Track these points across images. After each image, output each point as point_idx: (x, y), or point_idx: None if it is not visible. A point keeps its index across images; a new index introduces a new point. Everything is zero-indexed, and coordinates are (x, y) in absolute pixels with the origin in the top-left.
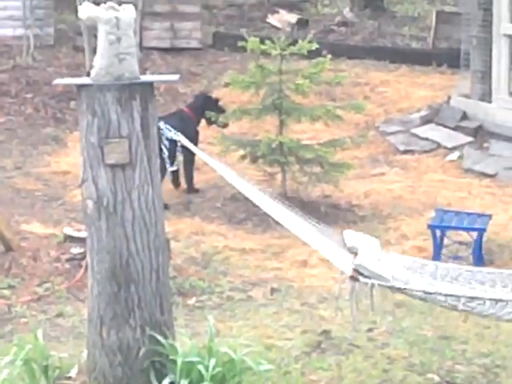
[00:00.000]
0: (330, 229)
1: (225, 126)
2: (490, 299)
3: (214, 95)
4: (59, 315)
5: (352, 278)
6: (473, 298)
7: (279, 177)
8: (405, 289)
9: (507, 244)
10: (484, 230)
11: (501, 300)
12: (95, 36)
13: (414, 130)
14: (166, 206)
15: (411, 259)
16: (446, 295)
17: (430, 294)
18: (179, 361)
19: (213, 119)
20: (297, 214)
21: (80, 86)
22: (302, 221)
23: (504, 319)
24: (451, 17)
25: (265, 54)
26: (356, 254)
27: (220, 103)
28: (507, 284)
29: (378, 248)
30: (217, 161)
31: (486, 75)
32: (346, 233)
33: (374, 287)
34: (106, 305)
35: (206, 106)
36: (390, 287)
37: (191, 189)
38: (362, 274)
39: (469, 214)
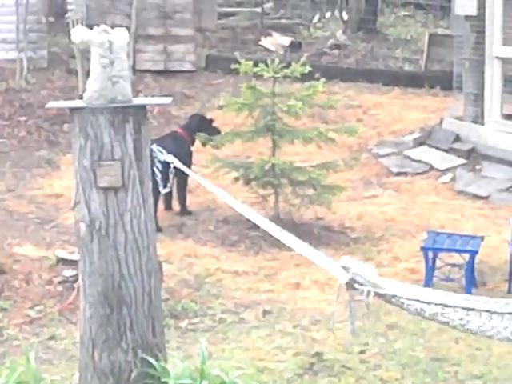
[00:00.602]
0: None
1: (218, 147)
2: (486, 311)
3: (208, 116)
4: (51, 338)
5: (348, 284)
6: (468, 310)
7: (272, 199)
8: (400, 297)
9: (499, 266)
10: (476, 252)
11: (496, 312)
12: (88, 59)
13: (406, 152)
14: (158, 229)
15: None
16: (442, 305)
17: (425, 303)
18: (171, 383)
19: (205, 141)
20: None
21: (73, 109)
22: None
23: (497, 338)
24: (444, 39)
25: (258, 76)
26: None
27: (214, 124)
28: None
29: (375, 274)
30: (209, 183)
31: (478, 97)
32: (342, 259)
33: (370, 295)
34: (98, 327)
35: (201, 127)
36: (385, 295)
37: (184, 211)
38: (357, 282)
39: (461, 235)
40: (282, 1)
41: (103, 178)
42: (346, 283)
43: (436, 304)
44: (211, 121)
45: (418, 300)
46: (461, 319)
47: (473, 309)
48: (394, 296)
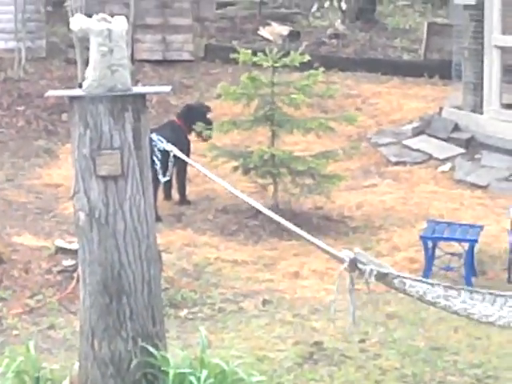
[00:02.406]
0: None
1: (206, 139)
2: (490, 293)
3: (203, 106)
4: (51, 327)
5: (351, 263)
6: (472, 292)
7: (271, 188)
8: (402, 278)
9: (499, 255)
10: (476, 241)
11: (500, 295)
12: (87, 48)
13: (405, 142)
14: (158, 218)
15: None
16: (444, 286)
17: (429, 284)
18: (171, 372)
19: (198, 131)
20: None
21: (72, 98)
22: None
23: (499, 323)
24: (442, 29)
25: (256, 66)
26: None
27: (208, 116)
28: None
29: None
30: (208, 171)
31: (477, 86)
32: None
33: (373, 274)
34: (97, 316)
35: (195, 117)
36: (388, 274)
37: (183, 200)
38: (360, 262)
39: (460, 225)
40: None
41: (102, 166)
42: (350, 261)
43: (439, 285)
44: (205, 111)
45: (420, 281)
46: (463, 302)
47: (476, 291)
48: (396, 276)
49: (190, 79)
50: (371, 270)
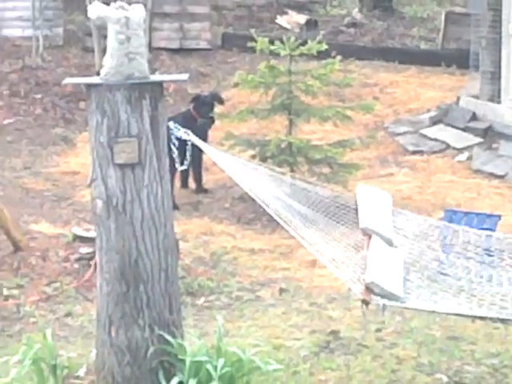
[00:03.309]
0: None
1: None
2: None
3: (212, 96)
4: (68, 315)
5: (364, 301)
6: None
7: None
8: (415, 309)
9: None
10: (493, 230)
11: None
12: (105, 37)
13: (423, 131)
14: (175, 206)
15: (422, 219)
16: (455, 314)
17: (439, 313)
18: (188, 360)
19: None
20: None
21: (90, 86)
22: (312, 217)
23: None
24: (460, 18)
25: (274, 54)
26: (370, 236)
27: (215, 108)
28: None
29: (390, 208)
30: (229, 156)
31: (495, 76)
32: (359, 189)
33: (386, 308)
34: (114, 304)
35: (202, 107)
36: (400, 307)
37: (200, 189)
38: (373, 292)
39: (478, 214)
40: None
41: (120, 154)
42: (362, 300)
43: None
44: (213, 102)
45: (433, 311)
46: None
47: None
48: (413, 308)
49: (207, 68)
50: (384, 305)
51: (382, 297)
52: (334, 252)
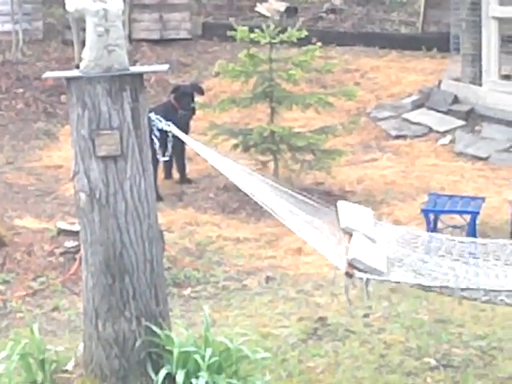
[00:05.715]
0: (326, 208)
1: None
2: (485, 290)
3: (191, 87)
4: (55, 309)
5: (347, 274)
6: (466, 290)
7: (271, 165)
8: (399, 282)
9: (501, 226)
10: (478, 212)
11: (494, 291)
12: (84, 29)
13: (405, 115)
14: (159, 197)
15: (404, 230)
16: (441, 287)
17: (425, 286)
18: (175, 351)
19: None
20: (289, 201)
21: (70, 79)
22: (294, 209)
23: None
24: (440, 1)
25: (254, 42)
26: (350, 235)
27: (195, 98)
28: (500, 256)
29: (372, 220)
30: (209, 149)
31: (476, 58)
32: (340, 204)
33: (369, 282)
34: (100, 297)
35: (182, 98)
36: (384, 281)
37: (184, 179)
38: (356, 268)
39: (462, 197)
40: None
41: (102, 147)
42: (345, 273)
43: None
44: (192, 93)
45: (418, 284)
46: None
47: (472, 289)
48: (396, 282)
49: (187, 58)
50: (367, 279)
51: (365, 272)
52: (317, 235)
